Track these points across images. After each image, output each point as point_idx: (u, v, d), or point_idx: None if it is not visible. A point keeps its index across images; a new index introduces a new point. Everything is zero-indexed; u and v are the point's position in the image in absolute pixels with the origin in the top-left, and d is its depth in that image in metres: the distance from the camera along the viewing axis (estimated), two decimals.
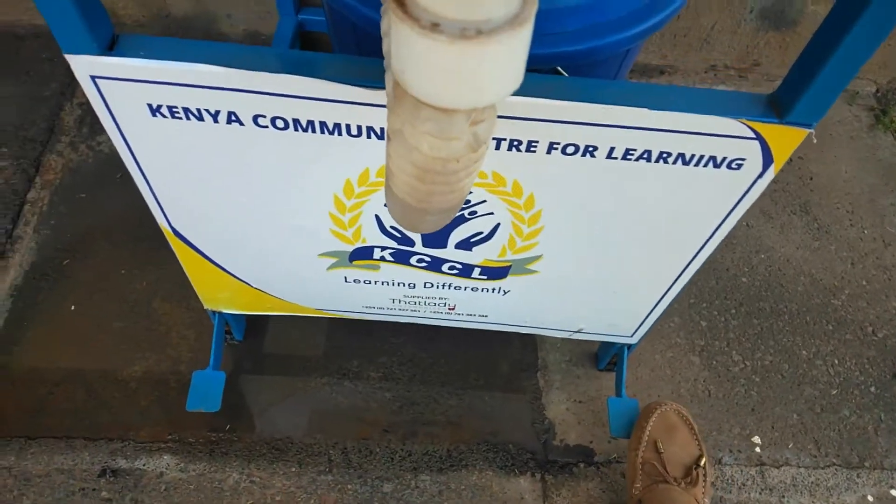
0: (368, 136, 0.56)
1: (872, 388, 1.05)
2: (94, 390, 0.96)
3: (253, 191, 0.65)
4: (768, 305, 1.12)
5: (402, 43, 0.26)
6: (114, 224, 1.11)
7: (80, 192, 1.14)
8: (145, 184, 0.65)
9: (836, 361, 1.07)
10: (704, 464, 0.84)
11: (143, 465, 0.91)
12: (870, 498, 0.95)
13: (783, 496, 0.94)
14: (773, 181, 1.32)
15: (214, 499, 0.88)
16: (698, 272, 1.08)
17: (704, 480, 0.83)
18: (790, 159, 1.29)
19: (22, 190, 1.13)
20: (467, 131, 0.29)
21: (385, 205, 0.67)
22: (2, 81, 1.25)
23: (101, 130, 1.21)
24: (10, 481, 0.88)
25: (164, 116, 0.56)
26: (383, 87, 0.51)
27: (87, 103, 1.24)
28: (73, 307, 1.03)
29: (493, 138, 0.56)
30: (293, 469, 0.91)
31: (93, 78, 0.52)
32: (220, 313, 0.92)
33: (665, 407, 0.88)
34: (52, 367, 0.97)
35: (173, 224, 0.71)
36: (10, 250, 1.07)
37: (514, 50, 0.26)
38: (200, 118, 0.56)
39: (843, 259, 1.18)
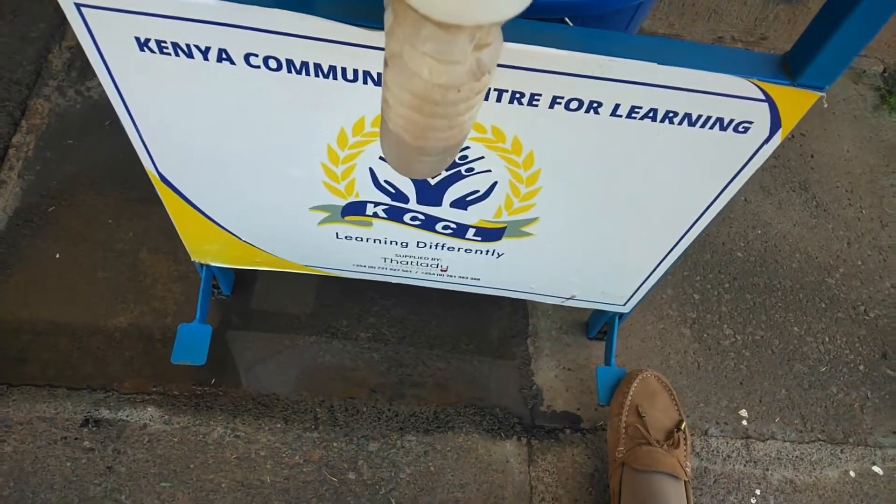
0: (365, 82, 0.54)
1: (861, 367, 1.05)
2: (77, 340, 0.95)
3: (243, 136, 0.62)
4: (762, 281, 1.11)
5: None
6: (101, 172, 1.08)
7: (67, 138, 1.11)
8: (131, 124, 0.62)
9: (827, 339, 1.07)
10: (685, 428, 0.85)
11: (127, 416, 0.90)
12: (852, 473, 0.96)
13: (767, 469, 0.95)
14: (774, 157, 1.30)
15: (198, 452, 0.88)
16: (694, 245, 1.07)
17: (685, 444, 0.84)
18: (791, 135, 1.28)
19: (7, 134, 1.10)
20: (470, 55, 0.27)
21: (380, 157, 0.65)
22: None
23: (91, 75, 1.17)
24: None
25: (152, 52, 0.53)
26: (381, 28, 0.49)
27: (77, 46, 1.21)
28: (57, 255, 1.01)
29: (494, 89, 0.54)
30: (279, 425, 0.90)
31: (77, 6, 0.50)
32: (208, 266, 0.91)
33: (646, 373, 0.89)
34: (35, 316, 0.96)
35: (160, 169, 0.69)
36: None
37: None
38: (190, 55, 0.53)
39: (840, 238, 1.17)
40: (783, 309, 1.09)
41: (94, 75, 1.18)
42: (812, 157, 1.26)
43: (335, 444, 0.90)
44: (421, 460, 0.90)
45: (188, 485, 0.86)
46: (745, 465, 0.95)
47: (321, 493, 0.87)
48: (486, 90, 0.30)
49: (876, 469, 0.97)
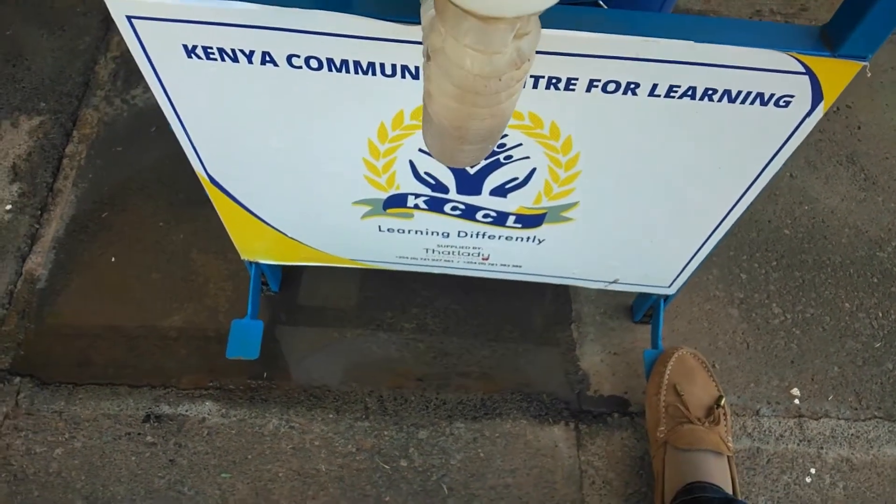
0: (403, 76, 0.55)
1: None
2: (135, 340, 0.99)
3: (287, 135, 0.64)
4: (811, 258, 1.09)
5: None
6: (150, 177, 1.12)
7: (116, 146, 1.15)
8: (181, 129, 0.65)
9: (881, 314, 1.04)
10: (724, 403, 0.84)
11: (186, 411, 0.93)
12: None
13: (822, 447, 0.93)
14: (819, 130, 1.27)
15: (255, 443, 0.91)
16: (739, 224, 1.06)
17: (726, 419, 0.84)
18: (836, 107, 1.24)
19: (60, 144, 1.15)
20: (510, 45, 0.28)
21: (420, 149, 0.66)
22: (37, 35, 1.26)
23: (135, 84, 1.21)
24: (62, 425, 0.92)
25: (199, 58, 0.55)
26: (418, 22, 0.50)
27: (121, 57, 1.25)
28: (112, 259, 1.05)
29: (531, 76, 0.54)
30: (331, 415, 0.93)
31: (129, 18, 0.52)
32: (257, 264, 0.93)
33: (681, 351, 0.89)
34: (95, 317, 1.00)
35: (209, 171, 0.71)
36: (52, 203, 1.09)
37: None
38: (235, 59, 0.55)
39: (891, 211, 1.14)
40: (833, 285, 1.07)
41: (139, 84, 1.22)
42: (859, 128, 1.22)
43: (386, 433, 0.92)
44: (470, 447, 0.92)
45: (247, 475, 0.89)
46: (798, 445, 0.94)
47: (375, 480, 0.89)
48: (525, 78, 0.31)
49: None
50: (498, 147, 0.65)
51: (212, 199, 0.77)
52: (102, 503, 0.87)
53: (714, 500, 0.77)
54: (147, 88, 1.20)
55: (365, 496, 0.88)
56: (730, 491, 0.81)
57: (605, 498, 0.89)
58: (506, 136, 0.63)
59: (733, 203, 0.69)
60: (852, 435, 0.95)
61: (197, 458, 0.90)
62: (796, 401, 0.97)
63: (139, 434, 0.92)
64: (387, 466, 0.90)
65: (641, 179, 0.67)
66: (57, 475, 0.89)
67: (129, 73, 1.23)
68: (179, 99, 0.61)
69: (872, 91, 1.27)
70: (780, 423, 0.95)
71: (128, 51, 1.26)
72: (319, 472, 0.89)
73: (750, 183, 0.66)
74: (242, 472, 0.89)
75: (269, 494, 0.88)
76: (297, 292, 1.03)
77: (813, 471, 0.92)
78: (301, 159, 0.68)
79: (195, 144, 0.67)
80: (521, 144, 0.64)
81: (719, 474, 0.81)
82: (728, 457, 0.82)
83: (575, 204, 0.72)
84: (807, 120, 0.58)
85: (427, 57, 0.30)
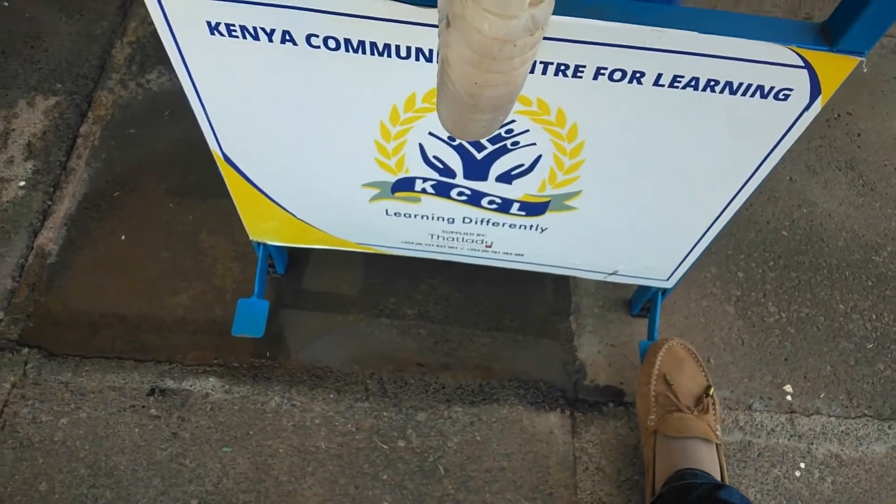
0: (417, 59, 0.57)
1: None
2: (142, 316, 1.01)
3: (302, 115, 0.66)
4: (807, 259, 1.11)
5: None
6: (162, 159, 1.14)
7: (129, 128, 1.17)
8: (200, 106, 0.67)
9: (874, 316, 1.06)
10: (713, 393, 0.87)
11: (190, 386, 0.95)
12: None
13: (812, 443, 0.95)
14: (820, 136, 1.29)
15: (257, 419, 0.93)
16: (738, 224, 1.08)
17: (714, 408, 0.86)
18: (837, 114, 1.27)
19: (75, 124, 1.17)
20: (526, 10, 0.30)
21: (430, 133, 0.68)
22: (55, 18, 1.29)
23: (150, 69, 1.24)
24: (68, 395, 0.94)
25: (221, 35, 0.58)
26: (434, 5, 0.52)
27: (137, 42, 1.27)
28: (123, 237, 1.07)
29: (540, 62, 0.57)
30: (332, 395, 0.95)
31: None
32: (265, 245, 0.95)
33: (672, 342, 0.91)
34: (104, 293, 1.02)
35: (224, 149, 0.74)
36: (65, 181, 1.11)
37: None
38: (256, 37, 0.57)
39: (888, 216, 1.16)
40: (829, 287, 1.09)
41: (154, 69, 1.25)
42: (859, 135, 1.24)
43: (385, 414, 0.94)
44: (467, 430, 0.93)
45: (248, 450, 0.91)
46: (789, 440, 0.96)
47: (373, 459, 0.91)
48: (538, 46, 0.33)
49: None
50: (505, 133, 0.67)
51: (224, 178, 0.79)
52: (105, 472, 0.89)
53: (703, 486, 0.79)
54: (162, 73, 1.23)
55: (363, 474, 0.90)
56: (718, 478, 0.83)
57: (598, 484, 0.91)
58: (513, 121, 0.65)
59: (732, 196, 0.71)
60: (842, 432, 0.97)
61: (199, 432, 0.92)
62: (788, 397, 0.99)
63: (143, 407, 0.94)
64: (385, 446, 0.92)
65: (644, 169, 0.69)
66: (62, 444, 0.91)
67: (144, 57, 1.25)
68: (200, 75, 0.63)
69: (874, 100, 1.29)
70: (771, 417, 0.97)
71: (144, 36, 1.29)
72: (319, 449, 0.91)
73: (748, 176, 0.68)
74: (243, 447, 0.91)
75: (269, 469, 0.90)
76: (302, 276, 1.05)
77: (802, 465, 0.94)
78: (314, 139, 0.70)
79: (212, 122, 0.69)
80: (527, 130, 0.66)
81: (708, 461, 0.83)
82: (717, 444, 0.84)
83: (578, 192, 0.74)
84: (805, 114, 0.60)
85: (447, 24, 0.32)
